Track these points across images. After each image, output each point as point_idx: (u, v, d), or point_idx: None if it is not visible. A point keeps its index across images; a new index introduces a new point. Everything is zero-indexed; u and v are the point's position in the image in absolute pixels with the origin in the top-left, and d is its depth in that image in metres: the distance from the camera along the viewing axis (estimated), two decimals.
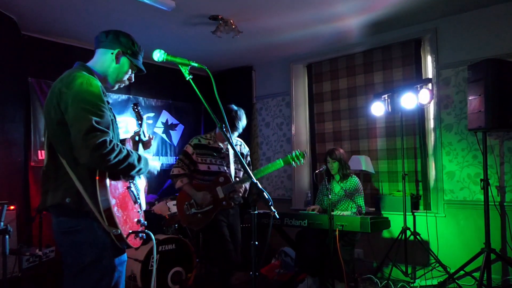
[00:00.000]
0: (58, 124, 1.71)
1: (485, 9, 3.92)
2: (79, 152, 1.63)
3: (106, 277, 1.74)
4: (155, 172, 2.06)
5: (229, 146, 3.28)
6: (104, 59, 1.91)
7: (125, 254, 1.87)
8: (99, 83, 1.79)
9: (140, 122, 2.23)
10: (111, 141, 1.68)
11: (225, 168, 3.27)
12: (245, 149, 3.45)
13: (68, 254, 1.77)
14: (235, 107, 3.28)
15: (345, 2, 3.71)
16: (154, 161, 2.04)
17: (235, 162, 3.33)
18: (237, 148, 3.33)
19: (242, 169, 3.33)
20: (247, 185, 3.31)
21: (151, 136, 2.24)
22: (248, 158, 3.47)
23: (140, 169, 1.83)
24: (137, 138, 2.16)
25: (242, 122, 3.28)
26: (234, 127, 3.23)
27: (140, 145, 2.15)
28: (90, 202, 1.68)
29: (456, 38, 4.10)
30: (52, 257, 3.79)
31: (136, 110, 2.30)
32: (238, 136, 3.46)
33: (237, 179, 3.29)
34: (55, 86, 1.76)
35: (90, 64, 1.91)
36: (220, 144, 3.28)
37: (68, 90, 1.69)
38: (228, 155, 3.30)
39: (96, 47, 1.95)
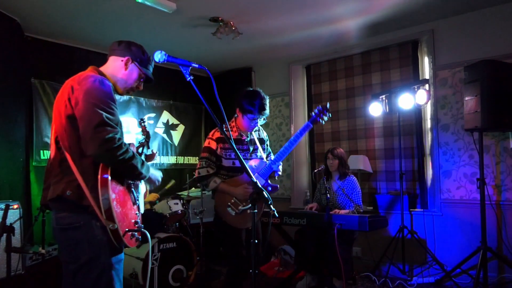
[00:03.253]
0: (68, 118, 1.76)
1: (481, 11, 3.97)
2: (87, 144, 1.68)
3: (104, 275, 1.77)
4: (156, 182, 2.07)
5: (252, 133, 3.07)
6: (115, 66, 1.99)
7: (122, 253, 1.88)
8: (111, 84, 1.86)
9: (145, 136, 2.26)
10: (120, 138, 1.73)
11: (247, 161, 2.99)
12: (264, 134, 3.22)
13: (66, 251, 1.80)
14: (255, 92, 2.99)
15: (344, 4, 3.76)
16: (156, 171, 2.07)
17: (263, 149, 3.13)
18: (257, 134, 3.15)
19: (267, 156, 3.17)
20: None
21: (155, 151, 2.28)
22: (267, 144, 3.24)
23: (141, 174, 1.86)
24: (140, 149, 2.21)
25: (268, 107, 3.02)
26: (263, 110, 2.95)
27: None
28: (90, 196, 1.71)
29: (453, 39, 4.15)
30: (55, 255, 3.84)
31: (143, 125, 2.33)
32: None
33: (271, 157, 3.08)
34: (68, 83, 1.83)
35: (102, 69, 1.99)
36: (242, 133, 3.02)
37: (80, 86, 1.76)
38: (254, 142, 3.06)
39: (109, 54, 2.03)
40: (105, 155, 1.69)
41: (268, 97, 3.05)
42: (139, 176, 1.89)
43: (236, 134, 3.00)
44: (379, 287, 3.91)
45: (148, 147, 2.25)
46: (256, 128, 3.14)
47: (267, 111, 2.98)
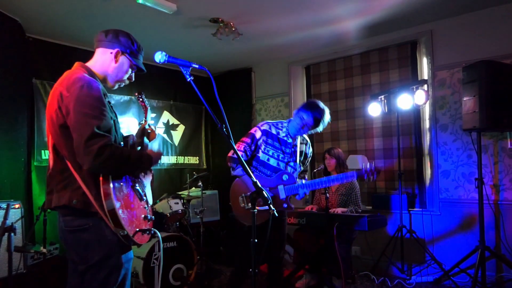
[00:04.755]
0: (61, 127, 1.72)
1: (479, 12, 4.00)
2: (82, 158, 1.64)
3: (114, 274, 1.77)
4: (159, 162, 2.02)
5: (297, 143, 3.04)
6: (104, 59, 1.90)
7: (131, 251, 1.89)
8: (100, 85, 1.80)
9: (144, 110, 2.17)
10: (111, 145, 1.67)
11: (285, 165, 3.00)
12: (309, 150, 3.18)
13: (75, 252, 1.78)
14: (321, 105, 2.97)
15: (343, 5, 3.78)
16: (156, 153, 1.98)
17: (300, 161, 3.08)
18: (302, 147, 3.10)
19: (303, 172, 3.14)
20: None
21: (153, 128, 2.19)
22: (308, 161, 3.21)
23: (142, 168, 1.85)
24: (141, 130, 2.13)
25: (324, 125, 3.01)
26: (317, 124, 2.95)
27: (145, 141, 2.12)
28: (96, 204, 1.69)
29: (451, 40, 4.18)
30: (56, 255, 3.86)
31: (141, 99, 2.22)
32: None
33: (303, 180, 3.02)
34: (56, 89, 1.76)
35: (90, 64, 1.91)
36: (290, 138, 3.03)
37: (69, 94, 1.69)
38: (296, 152, 3.03)
39: (96, 46, 1.93)
40: (101, 167, 1.66)
41: (329, 120, 3.02)
42: (142, 171, 1.88)
43: (284, 134, 3.03)
44: (378, 286, 3.94)
45: (150, 127, 2.15)
46: (305, 141, 3.14)
47: (319, 129, 3.00)
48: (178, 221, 4.41)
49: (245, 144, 2.96)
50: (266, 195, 1.90)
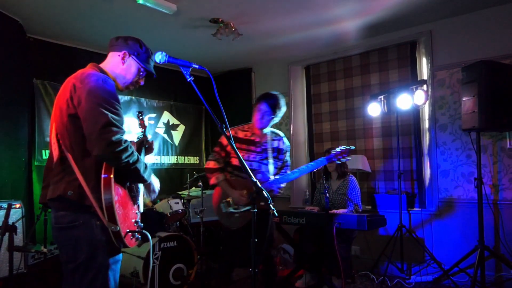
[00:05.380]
0: (69, 117, 1.73)
1: (478, 12, 4.01)
2: (94, 144, 1.65)
3: (101, 275, 1.76)
4: (155, 191, 2.07)
5: (268, 140, 3.07)
6: (113, 61, 1.96)
7: (120, 254, 1.89)
8: (113, 82, 1.85)
9: (143, 130, 2.26)
10: (126, 140, 1.71)
11: (259, 164, 3.03)
12: (284, 145, 3.18)
13: (64, 250, 1.79)
14: (273, 92, 3.07)
15: (343, 6, 3.79)
16: (155, 179, 2.05)
17: (274, 157, 3.10)
18: (275, 143, 3.12)
19: (282, 167, 3.18)
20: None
21: (151, 141, 2.26)
22: (287, 155, 3.23)
23: (142, 177, 1.86)
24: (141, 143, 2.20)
25: (282, 111, 3.06)
26: (274, 113, 3.00)
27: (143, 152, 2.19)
28: (92, 197, 1.69)
29: (451, 40, 4.19)
30: (56, 254, 3.87)
31: (141, 118, 2.33)
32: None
33: (277, 176, 3.07)
34: (69, 81, 1.79)
35: (102, 65, 1.97)
36: (258, 137, 3.07)
37: (83, 85, 1.72)
38: (267, 150, 3.07)
39: (108, 51, 2.00)
40: (111, 157, 1.67)
41: (284, 107, 3.08)
42: (141, 180, 1.89)
43: (249, 134, 3.07)
44: (377, 285, 3.95)
45: (148, 142, 2.21)
46: (277, 137, 3.16)
47: (278, 114, 3.03)
48: (178, 221, 4.42)
49: (215, 153, 3.07)
50: (266, 195, 1.91)
